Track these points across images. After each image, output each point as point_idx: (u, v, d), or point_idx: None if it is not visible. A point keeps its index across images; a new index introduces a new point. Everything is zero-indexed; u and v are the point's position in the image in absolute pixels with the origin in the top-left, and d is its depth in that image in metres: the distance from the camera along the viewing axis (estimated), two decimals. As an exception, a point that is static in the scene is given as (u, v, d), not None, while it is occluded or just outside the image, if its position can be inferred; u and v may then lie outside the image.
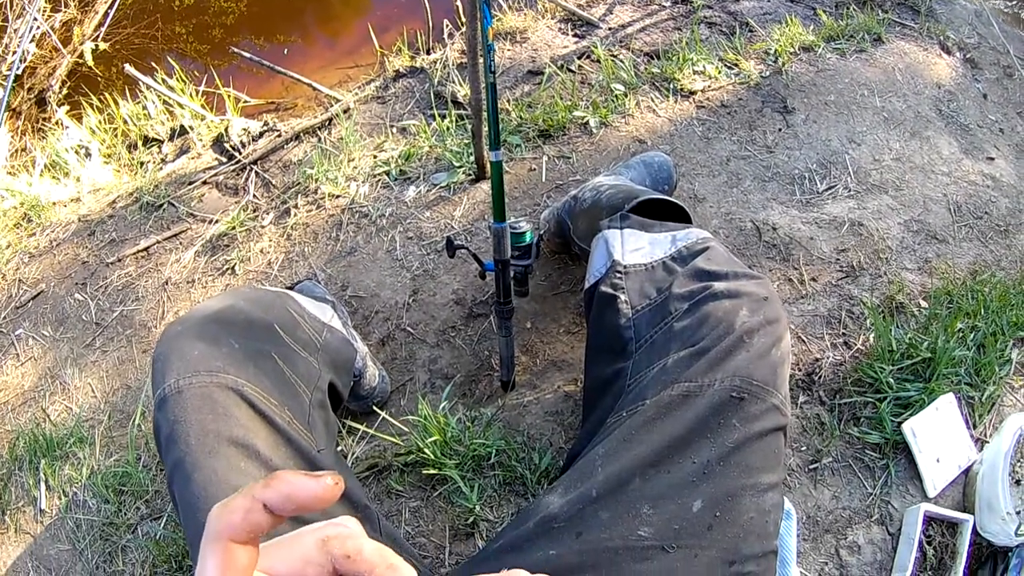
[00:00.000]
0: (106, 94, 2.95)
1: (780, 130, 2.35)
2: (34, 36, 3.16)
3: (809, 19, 2.86)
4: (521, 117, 2.37)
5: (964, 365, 1.76)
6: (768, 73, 2.53)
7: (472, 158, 2.22)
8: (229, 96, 2.89)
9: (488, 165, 1.98)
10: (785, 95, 2.46)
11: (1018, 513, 1.53)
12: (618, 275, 1.30)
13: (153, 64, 3.10)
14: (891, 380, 1.69)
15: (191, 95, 2.90)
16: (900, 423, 1.65)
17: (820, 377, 1.75)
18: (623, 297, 1.25)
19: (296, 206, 2.31)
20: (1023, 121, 2.75)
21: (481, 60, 1.59)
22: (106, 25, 3.37)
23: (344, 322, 1.68)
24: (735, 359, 1.01)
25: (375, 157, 2.40)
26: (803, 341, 1.83)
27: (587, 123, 2.33)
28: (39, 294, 2.33)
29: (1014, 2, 4.13)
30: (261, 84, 3.12)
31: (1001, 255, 2.15)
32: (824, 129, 2.36)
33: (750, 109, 2.41)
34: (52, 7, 3.38)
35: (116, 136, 2.91)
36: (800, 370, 1.78)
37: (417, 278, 2.06)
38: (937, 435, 1.65)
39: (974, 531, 1.55)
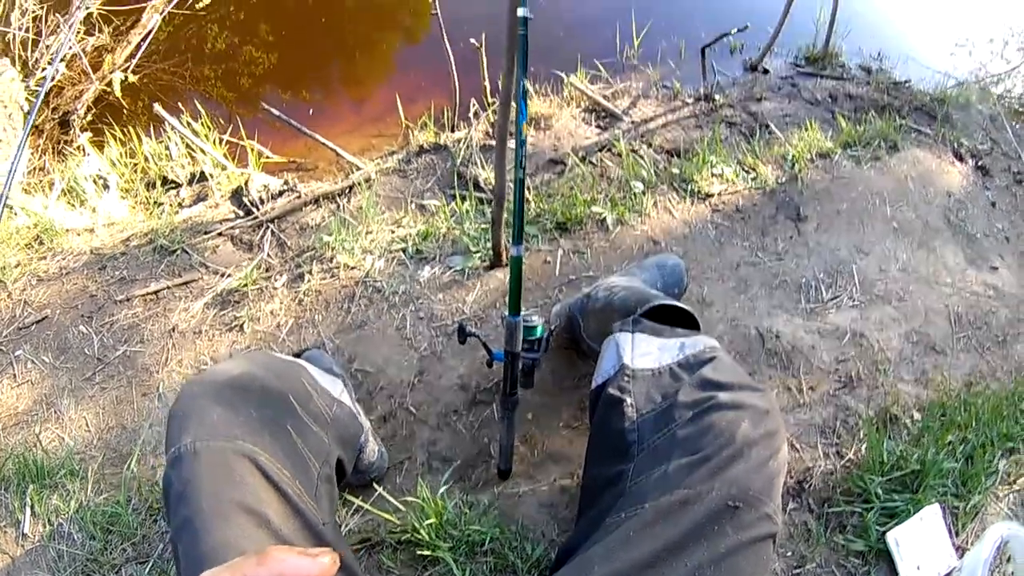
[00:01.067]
0: (129, 127, 3.02)
1: (791, 237, 2.46)
2: (65, 56, 3.20)
3: (827, 123, 2.97)
4: (540, 207, 2.46)
5: (951, 476, 1.85)
6: (784, 179, 2.65)
7: (489, 244, 2.29)
8: (252, 150, 2.95)
9: (505, 254, 2.07)
10: (799, 202, 2.57)
11: (996, 619, 1.63)
12: (626, 378, 1.37)
13: (179, 104, 3.18)
14: (879, 491, 1.78)
15: (215, 142, 2.97)
16: (885, 532, 1.73)
17: (811, 485, 1.84)
18: (629, 400, 1.32)
19: (310, 272, 2.36)
20: (1029, 229, 2.87)
21: (511, 152, 1.64)
22: (137, 57, 3.44)
23: (352, 397, 1.73)
24: (734, 469, 1.08)
25: (393, 232, 2.47)
26: (797, 449, 1.92)
27: (604, 219, 2.42)
28: (43, 319, 2.35)
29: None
30: (285, 141, 3.16)
31: (997, 365, 2.25)
32: (834, 238, 2.47)
33: (764, 215, 2.53)
34: (86, 30, 3.44)
35: (136, 172, 2.96)
36: (792, 477, 1.86)
37: (424, 359, 2.10)
38: (920, 544, 1.73)
39: (949, 636, 1.62)
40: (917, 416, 2.02)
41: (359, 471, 1.79)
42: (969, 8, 4.73)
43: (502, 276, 2.27)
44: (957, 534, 1.81)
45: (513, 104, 1.67)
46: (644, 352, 1.42)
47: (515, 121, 1.59)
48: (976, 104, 3.51)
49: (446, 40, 2.95)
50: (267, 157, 3.05)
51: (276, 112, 2.96)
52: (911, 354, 2.20)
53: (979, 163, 3.06)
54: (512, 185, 1.64)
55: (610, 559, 1.05)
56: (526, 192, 2.48)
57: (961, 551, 1.79)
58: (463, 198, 2.56)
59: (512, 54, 1.64)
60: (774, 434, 1.16)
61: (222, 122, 3.16)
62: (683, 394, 1.25)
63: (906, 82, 3.53)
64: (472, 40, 2.93)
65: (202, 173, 2.88)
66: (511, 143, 1.67)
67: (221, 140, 3.02)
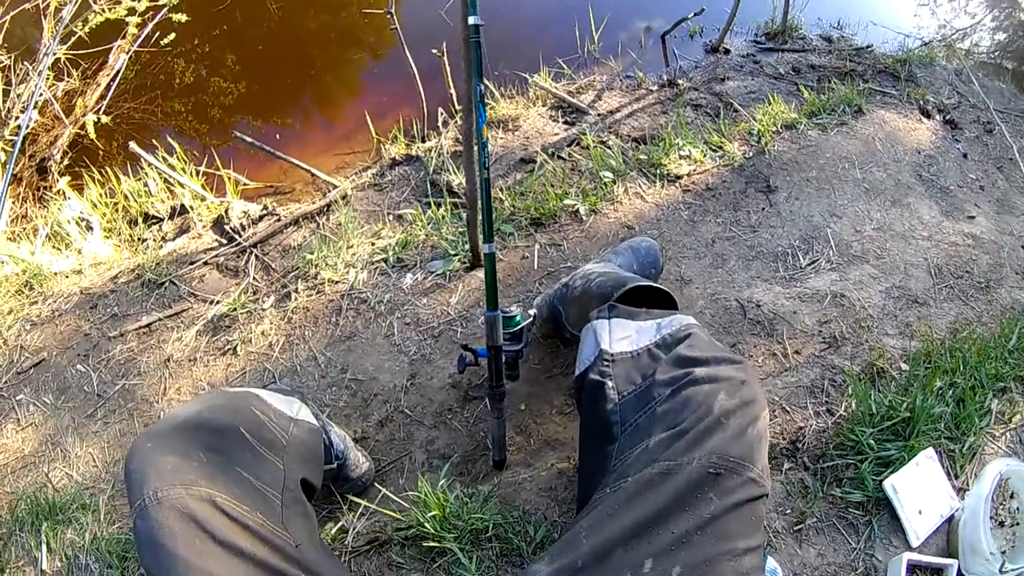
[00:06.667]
0: (107, 168, 3.10)
1: (763, 209, 2.56)
2: (37, 103, 3.27)
3: (792, 95, 3.09)
4: (514, 206, 2.55)
5: (943, 420, 1.92)
6: (752, 154, 2.75)
7: (467, 246, 2.39)
8: (229, 178, 3.04)
9: (482, 255, 2.14)
10: (768, 174, 2.67)
11: (1003, 553, 1.71)
12: (606, 363, 1.45)
13: (154, 141, 3.23)
14: (871, 442, 1.85)
15: (192, 174, 3.05)
16: (881, 481, 1.81)
17: (804, 444, 1.91)
18: (610, 384, 1.39)
19: (296, 290, 2.44)
20: (1003, 175, 2.99)
21: (476, 155, 1.73)
22: (108, 98, 3.51)
23: (315, 412, 1.77)
24: (713, 439, 1.15)
25: (373, 244, 2.57)
26: (787, 411, 2.00)
27: (577, 211, 2.52)
28: (40, 362, 2.42)
29: (997, 53, 4.36)
30: (260, 167, 3.23)
31: (982, 311, 2.34)
32: (806, 205, 2.57)
33: (734, 190, 2.62)
34: (55, 76, 3.53)
35: (117, 211, 3.04)
36: (784, 439, 1.94)
37: (414, 362, 2.20)
38: (918, 488, 1.81)
39: (959, 574, 1.71)
40: (904, 367, 2.09)
41: (349, 480, 1.87)
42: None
43: (482, 276, 2.34)
44: (956, 476, 1.89)
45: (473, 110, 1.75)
46: (622, 336, 1.50)
47: (475, 123, 1.69)
48: (940, 61, 3.61)
49: (408, 53, 3.07)
50: (244, 184, 3.12)
51: (248, 139, 3.05)
52: (893, 309, 2.28)
53: (947, 117, 3.17)
54: (479, 185, 1.73)
55: (596, 531, 1.12)
56: (500, 192, 2.61)
57: (961, 492, 1.86)
58: (438, 205, 2.65)
59: (468, 61, 1.70)
60: (751, 402, 1.23)
61: (196, 154, 3.24)
62: (661, 372, 1.33)
63: (868, 47, 3.64)
64: (434, 50, 3.01)
65: (182, 206, 2.97)
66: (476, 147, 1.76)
67: (198, 172, 3.10)
